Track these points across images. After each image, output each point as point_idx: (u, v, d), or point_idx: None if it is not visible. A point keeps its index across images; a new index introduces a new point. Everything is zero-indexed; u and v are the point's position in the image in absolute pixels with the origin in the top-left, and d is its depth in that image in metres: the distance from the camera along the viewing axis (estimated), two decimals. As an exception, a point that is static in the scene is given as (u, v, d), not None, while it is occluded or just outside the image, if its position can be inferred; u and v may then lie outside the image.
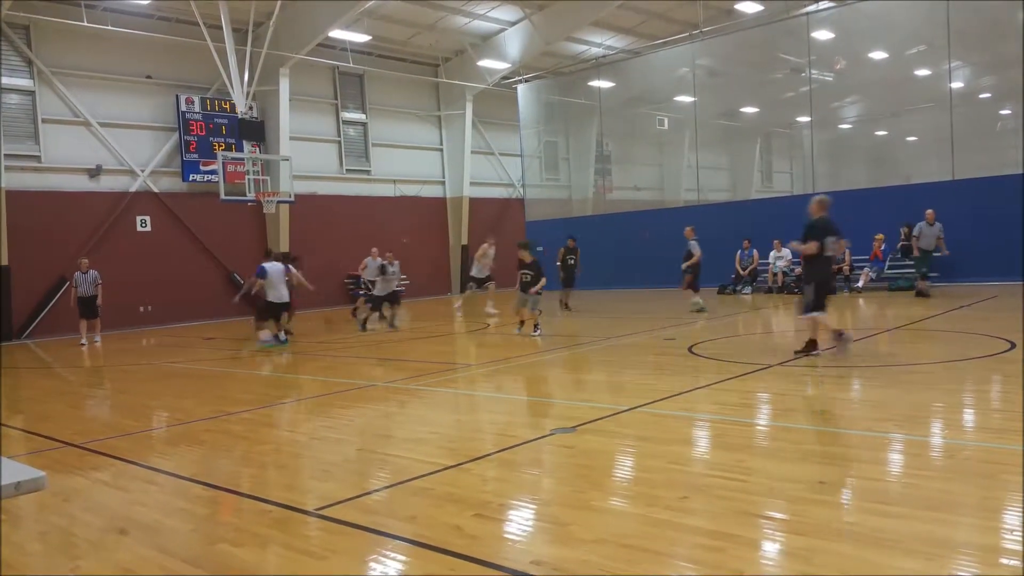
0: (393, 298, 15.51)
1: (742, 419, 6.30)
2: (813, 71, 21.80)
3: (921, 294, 15.39)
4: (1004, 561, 3.26)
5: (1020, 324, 10.22)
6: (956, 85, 20.45)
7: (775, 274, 19.14)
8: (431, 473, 5.01)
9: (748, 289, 19.62)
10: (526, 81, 26.84)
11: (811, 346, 8.69)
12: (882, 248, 18.22)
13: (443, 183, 28.28)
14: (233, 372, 10.63)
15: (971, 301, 13.37)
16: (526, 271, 12.48)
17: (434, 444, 5.97)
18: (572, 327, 13.00)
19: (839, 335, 8.59)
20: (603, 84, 26.33)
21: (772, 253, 19.40)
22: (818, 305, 8.59)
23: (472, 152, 28.03)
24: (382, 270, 15.25)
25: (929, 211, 15.89)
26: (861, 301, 16.14)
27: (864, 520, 3.81)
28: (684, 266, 15.50)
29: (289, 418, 7.72)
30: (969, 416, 6.19)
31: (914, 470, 4.77)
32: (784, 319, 13.56)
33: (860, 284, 17.61)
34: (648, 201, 26.79)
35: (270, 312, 13.66)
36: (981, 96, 23.49)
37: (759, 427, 6.14)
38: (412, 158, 27.24)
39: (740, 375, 8.00)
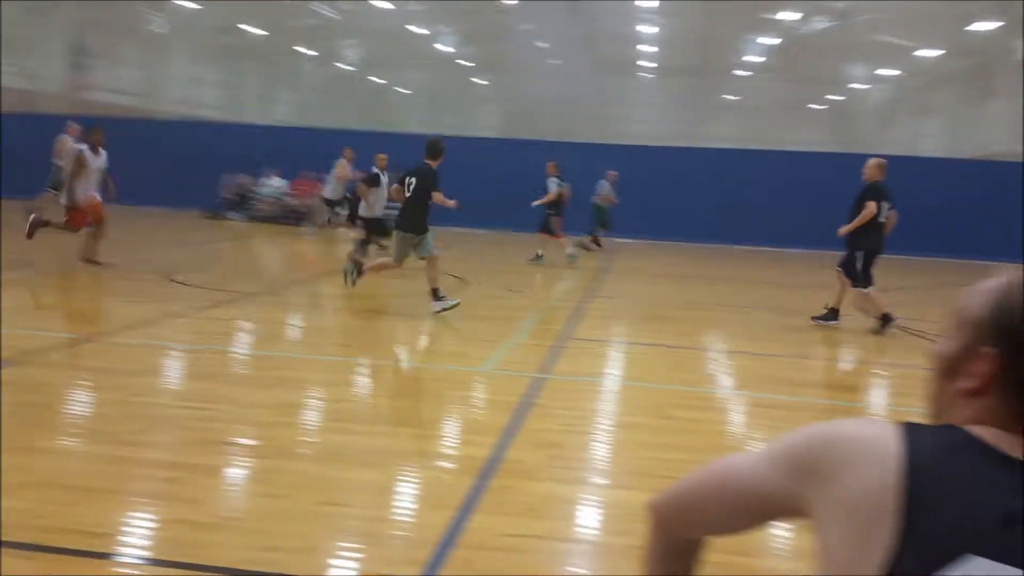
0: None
1: (216, 347, 6.14)
2: (322, 5, 22.00)
3: (584, 247, 14.94)
4: (439, 464, 3.91)
5: (469, 268, 12.07)
6: (445, 48, 23.00)
7: (264, 201, 19.08)
8: None
9: (238, 215, 19.18)
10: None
11: (885, 321, 7.66)
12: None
13: None
14: None
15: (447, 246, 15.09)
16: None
17: None
18: (32, 247, 10.78)
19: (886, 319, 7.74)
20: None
21: (262, 179, 19.29)
22: (867, 279, 7.64)
23: None
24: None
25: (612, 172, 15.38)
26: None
27: (327, 439, 4.11)
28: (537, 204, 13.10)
29: None
30: (423, 341, 7.11)
31: (371, 391, 5.32)
32: (273, 248, 13.61)
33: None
34: (134, 108, 23.95)
35: None
36: (460, 63, 26.84)
37: (233, 355, 6.08)
38: None
39: (221, 303, 7.78)
